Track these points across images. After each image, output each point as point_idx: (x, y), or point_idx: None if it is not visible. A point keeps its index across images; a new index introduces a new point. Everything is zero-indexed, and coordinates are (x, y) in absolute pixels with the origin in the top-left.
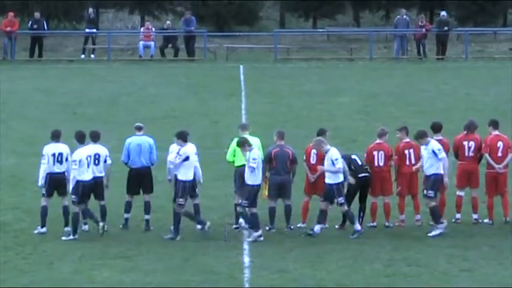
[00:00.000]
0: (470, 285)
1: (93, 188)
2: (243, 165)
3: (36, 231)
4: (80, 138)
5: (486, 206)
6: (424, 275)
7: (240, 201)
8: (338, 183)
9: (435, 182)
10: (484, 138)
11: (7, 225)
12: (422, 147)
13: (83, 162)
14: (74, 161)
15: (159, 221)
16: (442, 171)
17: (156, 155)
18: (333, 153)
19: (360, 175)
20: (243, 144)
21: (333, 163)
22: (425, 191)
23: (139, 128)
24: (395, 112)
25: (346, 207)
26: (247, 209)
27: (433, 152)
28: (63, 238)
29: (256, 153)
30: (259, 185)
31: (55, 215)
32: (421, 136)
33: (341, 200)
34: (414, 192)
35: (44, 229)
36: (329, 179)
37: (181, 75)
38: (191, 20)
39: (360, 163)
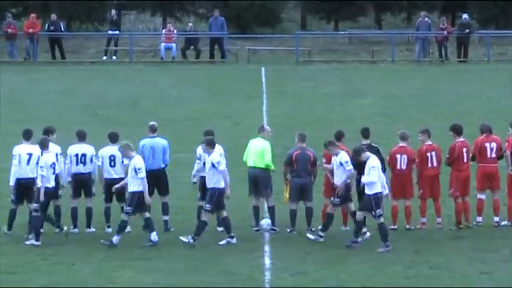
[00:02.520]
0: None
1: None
2: (253, 167)
3: (70, 230)
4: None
5: (507, 207)
6: (444, 277)
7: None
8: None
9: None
10: (505, 139)
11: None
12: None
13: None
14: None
15: (181, 223)
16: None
17: (169, 156)
18: (343, 156)
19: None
20: (209, 144)
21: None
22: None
23: (153, 130)
24: (416, 115)
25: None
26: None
27: (341, 163)
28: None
29: (217, 157)
30: (222, 189)
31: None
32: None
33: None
34: (436, 195)
35: (76, 229)
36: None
37: (203, 77)
38: (222, 21)
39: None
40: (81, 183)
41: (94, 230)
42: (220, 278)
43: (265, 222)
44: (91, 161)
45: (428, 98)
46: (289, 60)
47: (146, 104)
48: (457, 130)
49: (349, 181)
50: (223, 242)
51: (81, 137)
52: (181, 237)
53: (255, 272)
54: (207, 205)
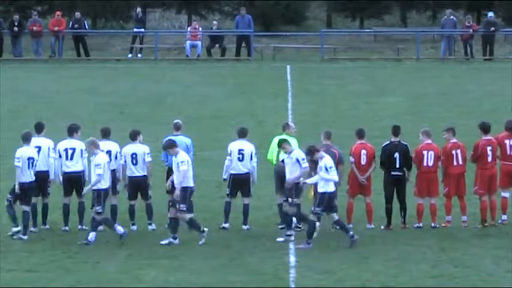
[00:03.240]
0: None
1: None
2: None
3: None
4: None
5: None
6: (470, 276)
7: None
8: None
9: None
10: None
11: (54, 223)
12: (286, 156)
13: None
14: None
15: (205, 221)
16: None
17: (193, 154)
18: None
19: (393, 173)
20: (282, 144)
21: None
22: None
23: (177, 128)
24: (442, 113)
25: (315, 219)
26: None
27: (297, 160)
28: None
29: (184, 156)
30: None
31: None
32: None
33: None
34: (461, 193)
35: (101, 227)
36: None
37: (228, 75)
38: (249, 19)
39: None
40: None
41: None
42: (245, 276)
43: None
44: (116, 158)
45: (453, 96)
46: (315, 58)
47: (172, 102)
48: (484, 128)
49: (301, 179)
50: (166, 241)
51: (106, 134)
52: (161, 242)
53: (280, 270)
54: (181, 205)
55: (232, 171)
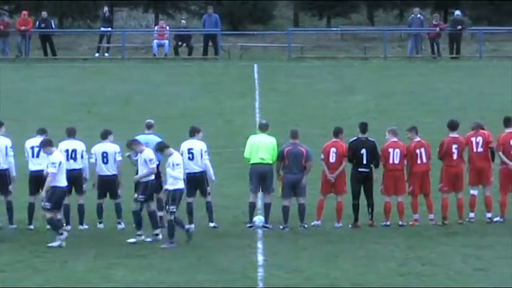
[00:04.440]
0: (485, 285)
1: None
2: (258, 163)
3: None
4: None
5: (499, 203)
6: (438, 274)
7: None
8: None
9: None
10: (497, 137)
11: (21, 223)
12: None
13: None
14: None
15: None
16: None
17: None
18: (176, 157)
19: (360, 169)
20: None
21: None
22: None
23: (148, 126)
24: (409, 111)
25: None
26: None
27: (145, 161)
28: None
29: (149, 154)
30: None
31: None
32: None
33: (173, 208)
34: (426, 191)
35: (69, 227)
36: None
37: (195, 74)
38: (216, 18)
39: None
40: (73, 180)
41: (87, 227)
42: (213, 275)
43: (258, 219)
44: (81, 157)
45: (420, 95)
46: (282, 57)
47: (139, 101)
48: (450, 126)
49: (151, 177)
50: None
51: (71, 134)
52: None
53: (248, 269)
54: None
55: (186, 171)
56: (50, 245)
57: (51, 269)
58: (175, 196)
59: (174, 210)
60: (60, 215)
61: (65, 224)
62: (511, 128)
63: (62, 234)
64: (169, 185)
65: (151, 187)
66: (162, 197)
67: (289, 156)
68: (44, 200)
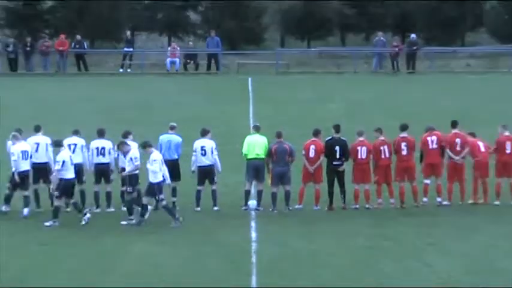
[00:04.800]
0: (434, 257)
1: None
2: (254, 158)
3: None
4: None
5: (447, 190)
6: (397, 248)
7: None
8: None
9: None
10: (446, 136)
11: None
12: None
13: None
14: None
15: (184, 204)
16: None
17: (182, 150)
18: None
19: (334, 163)
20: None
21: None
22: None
23: (171, 128)
24: (374, 115)
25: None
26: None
27: (131, 158)
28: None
29: (134, 153)
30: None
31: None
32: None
33: (161, 196)
34: (388, 181)
35: (99, 209)
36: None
37: (201, 85)
38: (217, 40)
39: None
40: (102, 172)
41: (113, 209)
42: (215, 248)
43: (252, 203)
44: (109, 153)
45: (383, 102)
46: (271, 72)
47: (155, 108)
48: (401, 127)
49: (137, 172)
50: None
51: (101, 134)
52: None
53: (244, 243)
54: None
55: (198, 164)
56: (45, 224)
57: (84, 244)
58: (160, 187)
59: (163, 197)
60: (74, 199)
61: (95, 207)
62: (457, 129)
63: (85, 214)
64: (152, 179)
65: (136, 179)
66: (151, 190)
67: (277, 153)
68: (53, 189)
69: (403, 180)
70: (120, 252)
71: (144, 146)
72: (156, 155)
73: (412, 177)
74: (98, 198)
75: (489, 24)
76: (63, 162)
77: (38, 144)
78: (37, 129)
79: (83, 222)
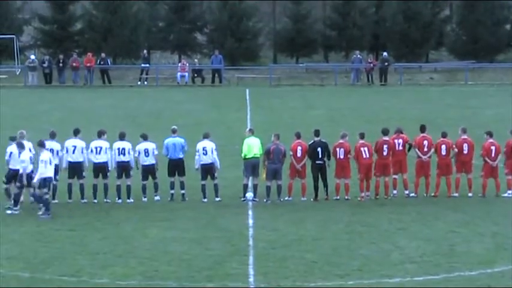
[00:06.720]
0: (404, 239)
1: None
2: (252, 158)
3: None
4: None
5: (414, 184)
6: (372, 232)
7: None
8: None
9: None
10: (413, 138)
11: (89, 198)
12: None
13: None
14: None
15: (194, 195)
16: None
17: (186, 150)
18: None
19: (317, 162)
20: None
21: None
22: None
23: (173, 131)
24: (352, 121)
25: None
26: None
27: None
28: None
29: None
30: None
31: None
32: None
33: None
34: (369, 176)
35: (120, 200)
36: None
37: (206, 96)
38: (221, 58)
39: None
40: (123, 169)
41: (132, 200)
42: (218, 233)
43: (249, 195)
44: (129, 153)
45: (360, 110)
46: (265, 84)
47: (167, 114)
48: (383, 131)
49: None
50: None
51: (122, 136)
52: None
53: (242, 229)
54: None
55: (201, 163)
56: (39, 214)
57: (108, 229)
58: (45, 183)
59: (47, 192)
60: (48, 195)
61: (117, 198)
62: (425, 132)
63: (41, 208)
64: (39, 175)
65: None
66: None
67: (274, 153)
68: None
69: (382, 175)
70: (138, 236)
71: (39, 145)
72: (45, 155)
73: (388, 173)
74: (120, 190)
75: (449, 44)
76: (44, 162)
77: (75, 146)
78: (76, 132)
79: (40, 213)
